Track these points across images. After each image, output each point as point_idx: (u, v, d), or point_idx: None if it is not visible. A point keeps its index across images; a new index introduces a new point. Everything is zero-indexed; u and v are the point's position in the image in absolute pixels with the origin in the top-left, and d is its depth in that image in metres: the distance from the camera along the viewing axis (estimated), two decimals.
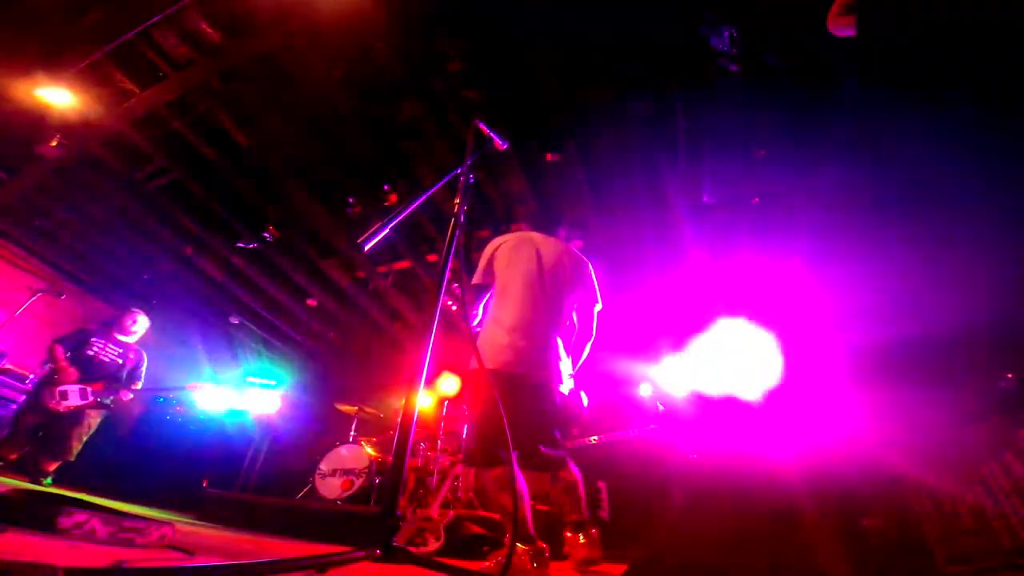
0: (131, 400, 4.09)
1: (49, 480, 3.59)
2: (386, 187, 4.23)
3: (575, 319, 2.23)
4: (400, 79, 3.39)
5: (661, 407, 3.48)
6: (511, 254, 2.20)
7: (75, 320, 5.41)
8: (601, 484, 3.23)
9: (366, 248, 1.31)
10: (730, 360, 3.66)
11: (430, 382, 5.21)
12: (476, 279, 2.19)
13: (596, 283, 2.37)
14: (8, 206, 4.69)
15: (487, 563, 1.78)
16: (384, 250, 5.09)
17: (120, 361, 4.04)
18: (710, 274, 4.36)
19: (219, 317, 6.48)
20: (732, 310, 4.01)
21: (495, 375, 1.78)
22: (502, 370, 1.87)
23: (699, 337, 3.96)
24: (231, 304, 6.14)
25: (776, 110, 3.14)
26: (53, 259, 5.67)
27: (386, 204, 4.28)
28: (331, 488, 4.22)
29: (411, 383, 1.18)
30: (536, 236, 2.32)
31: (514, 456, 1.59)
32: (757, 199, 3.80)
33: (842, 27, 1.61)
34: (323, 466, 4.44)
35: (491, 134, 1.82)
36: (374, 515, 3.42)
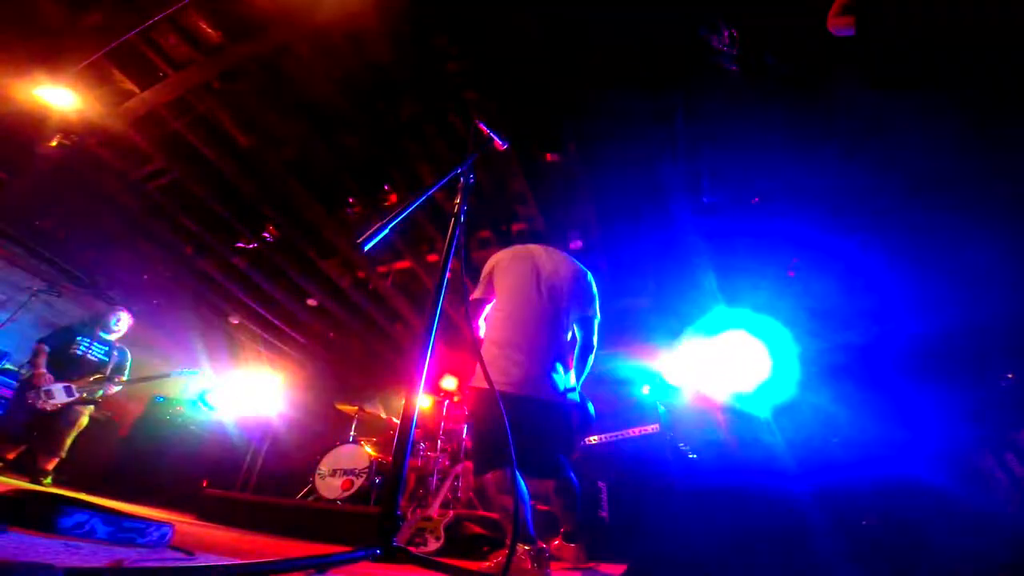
0: (125, 395, 4.15)
1: (49, 479, 3.60)
2: (386, 187, 4.23)
3: (577, 332, 2.23)
4: (400, 79, 3.39)
5: (661, 407, 3.47)
6: (509, 269, 2.22)
7: (74, 320, 5.42)
8: (601, 484, 3.23)
9: (366, 248, 1.31)
10: (731, 359, 3.66)
11: (430, 382, 5.21)
12: (476, 293, 2.23)
13: (596, 295, 2.37)
14: (8, 206, 4.69)
15: (488, 563, 1.82)
16: (384, 250, 5.09)
17: (106, 359, 4.12)
18: (710, 273, 4.36)
19: (219, 317, 6.48)
20: (732, 309, 4.00)
21: (503, 397, 1.71)
22: (509, 392, 1.87)
23: (699, 337, 3.96)
24: (231, 304, 6.13)
25: (776, 110, 3.14)
26: (53, 259, 5.66)
27: (386, 204, 4.28)
28: (331, 488, 4.22)
29: (411, 383, 1.18)
30: (536, 249, 2.32)
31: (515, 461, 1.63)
32: (757, 199, 3.80)
33: (842, 27, 1.61)
34: (323, 466, 4.43)
35: (491, 134, 1.82)
36: (374, 515, 3.42)
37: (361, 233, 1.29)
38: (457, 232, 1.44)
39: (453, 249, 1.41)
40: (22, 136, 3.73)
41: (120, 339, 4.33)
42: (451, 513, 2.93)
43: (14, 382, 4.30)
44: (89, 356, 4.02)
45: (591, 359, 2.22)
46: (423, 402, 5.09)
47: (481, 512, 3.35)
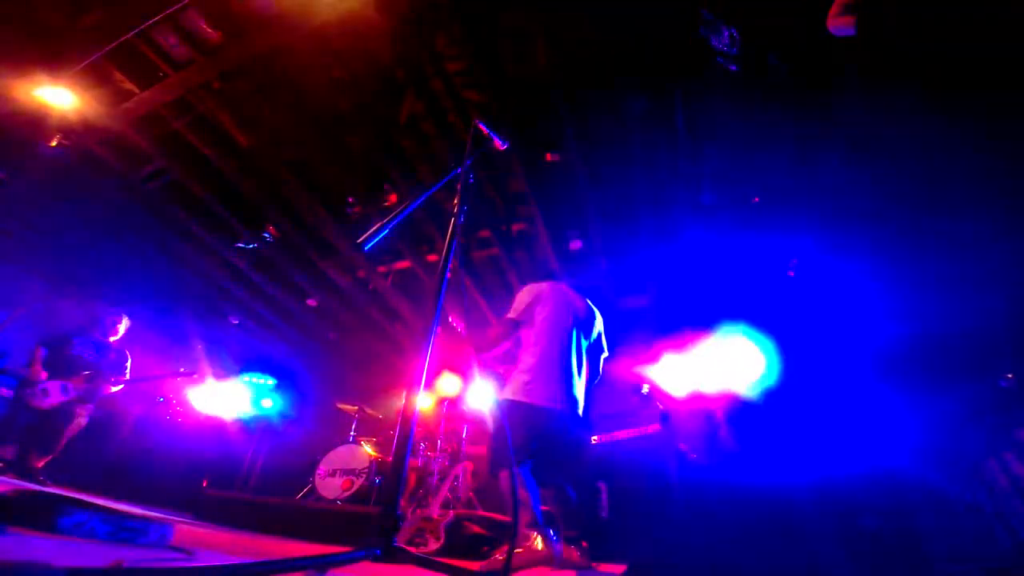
0: (124, 395, 4.19)
1: (41, 478, 3.61)
2: (386, 187, 4.23)
3: (590, 366, 2.58)
4: (400, 79, 3.39)
5: (661, 407, 3.47)
6: (551, 303, 2.46)
7: (74, 320, 5.41)
8: (601, 484, 3.23)
9: (366, 248, 1.31)
10: (730, 360, 3.65)
11: (430, 383, 5.21)
12: (514, 315, 2.43)
13: (604, 333, 2.74)
14: (8, 206, 4.69)
15: (495, 557, 2.09)
16: (384, 250, 5.09)
17: (102, 358, 4.14)
18: (710, 273, 4.36)
19: (219, 317, 6.47)
20: (732, 309, 4.00)
21: (546, 412, 2.18)
22: (552, 407, 2.21)
23: (699, 336, 3.96)
24: (231, 304, 6.13)
25: (776, 110, 3.14)
26: (53, 259, 5.66)
27: (386, 204, 4.28)
28: (331, 488, 4.22)
29: (411, 383, 1.18)
30: (570, 293, 2.59)
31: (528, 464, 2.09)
32: (757, 199, 3.80)
33: (842, 27, 1.61)
34: (323, 466, 4.43)
35: (491, 134, 1.83)
36: (374, 515, 3.42)
37: (361, 233, 1.29)
38: (457, 232, 1.45)
39: (453, 249, 1.41)
40: (22, 136, 3.72)
41: (119, 341, 4.35)
42: (451, 513, 2.93)
43: (14, 382, 4.31)
44: (86, 357, 4.05)
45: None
46: (423, 402, 5.08)
47: (481, 512, 3.35)
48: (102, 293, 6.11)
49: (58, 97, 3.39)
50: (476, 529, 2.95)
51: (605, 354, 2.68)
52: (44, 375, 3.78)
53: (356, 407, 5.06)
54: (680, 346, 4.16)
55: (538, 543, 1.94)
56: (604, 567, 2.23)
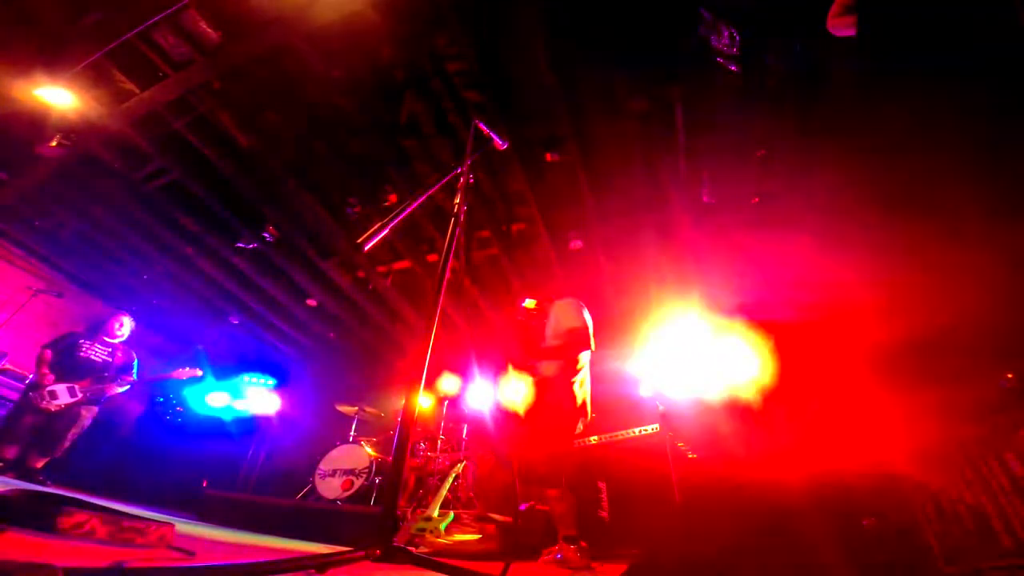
0: (123, 393, 4.21)
1: (41, 478, 3.61)
2: (386, 187, 4.23)
3: None
4: (400, 79, 3.39)
5: (661, 407, 3.47)
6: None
7: (74, 320, 5.42)
8: (601, 484, 3.22)
9: (366, 248, 1.31)
10: (729, 360, 3.65)
11: (430, 382, 5.21)
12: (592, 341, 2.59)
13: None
14: (8, 206, 4.68)
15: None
16: (384, 250, 5.09)
17: (109, 360, 4.17)
18: (710, 274, 4.36)
19: (219, 317, 6.47)
20: (732, 310, 4.00)
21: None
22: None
23: (699, 336, 3.96)
24: (231, 304, 6.13)
25: (776, 110, 3.14)
26: (53, 259, 5.66)
27: (386, 204, 4.27)
28: (331, 488, 4.22)
29: (411, 383, 1.18)
30: None
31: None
32: (757, 199, 3.80)
33: (842, 27, 1.61)
34: (323, 466, 4.43)
35: (491, 134, 1.83)
36: (374, 515, 3.42)
37: (361, 233, 1.29)
38: (457, 232, 1.44)
39: (453, 249, 1.41)
40: (22, 136, 3.72)
41: (124, 342, 4.37)
42: (451, 513, 2.93)
43: (13, 382, 4.32)
44: (93, 358, 4.07)
45: None
46: (423, 402, 5.09)
47: (481, 512, 3.34)
48: (102, 293, 6.12)
49: (58, 97, 3.39)
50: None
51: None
52: (51, 378, 3.80)
53: (356, 407, 5.06)
54: (680, 346, 4.16)
55: (575, 552, 2.22)
56: (604, 567, 2.23)
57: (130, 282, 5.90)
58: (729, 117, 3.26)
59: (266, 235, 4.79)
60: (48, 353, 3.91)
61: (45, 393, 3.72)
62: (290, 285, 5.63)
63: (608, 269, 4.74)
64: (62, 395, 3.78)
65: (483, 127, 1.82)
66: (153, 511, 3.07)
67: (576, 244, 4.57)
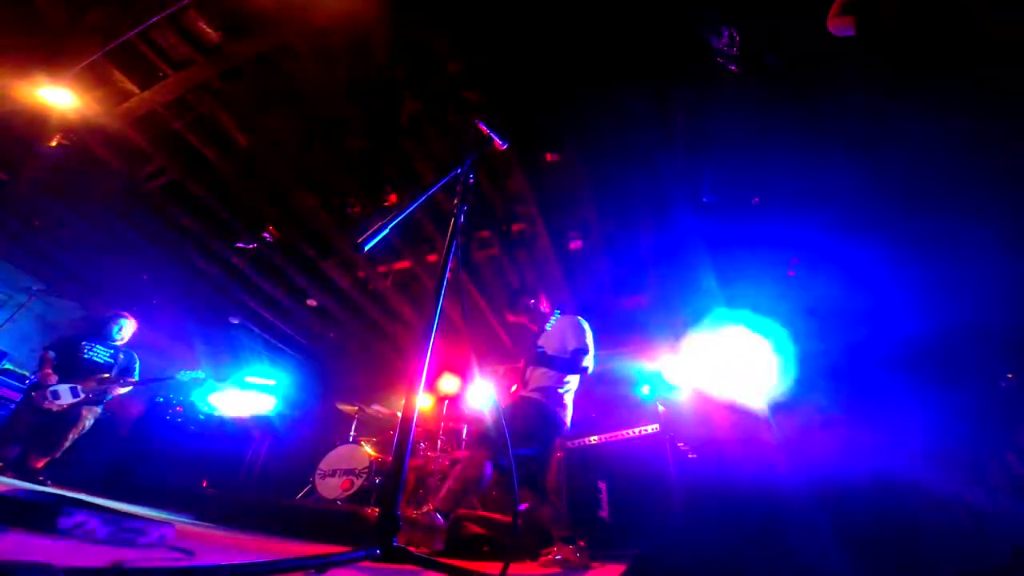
0: (125, 394, 4.23)
1: (41, 478, 3.61)
2: (386, 187, 4.23)
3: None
4: (400, 79, 3.39)
5: (661, 407, 3.47)
6: None
7: (75, 321, 5.42)
8: (601, 484, 3.23)
9: (366, 248, 1.31)
10: (730, 360, 3.65)
11: (430, 383, 5.21)
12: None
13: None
14: (8, 206, 4.68)
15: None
16: (384, 250, 5.09)
17: (111, 361, 4.17)
18: (710, 273, 4.36)
19: (219, 317, 6.47)
20: (732, 309, 4.00)
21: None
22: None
23: (699, 336, 3.96)
24: (231, 304, 6.13)
25: (776, 110, 3.14)
26: (53, 259, 5.66)
27: (386, 204, 4.27)
28: (331, 488, 4.22)
29: (411, 383, 1.18)
30: None
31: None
32: (757, 199, 3.80)
33: (842, 27, 1.61)
34: (323, 466, 4.43)
35: (491, 134, 1.83)
36: (374, 515, 3.41)
37: (361, 233, 1.29)
38: (457, 232, 1.45)
39: (453, 249, 1.41)
40: (22, 136, 3.72)
41: (126, 343, 4.38)
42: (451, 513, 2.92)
43: (13, 382, 4.32)
44: (95, 359, 4.08)
45: None
46: (423, 402, 5.08)
47: (481, 512, 3.34)
48: (102, 293, 6.12)
49: (58, 97, 3.38)
50: (476, 529, 2.94)
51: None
52: (54, 378, 3.81)
53: (356, 407, 5.06)
54: (680, 346, 4.16)
55: (572, 552, 2.26)
56: (604, 567, 2.23)
57: (130, 282, 5.90)
58: (729, 117, 3.25)
59: (266, 235, 4.79)
60: (51, 353, 3.92)
61: (47, 393, 3.73)
62: (290, 285, 5.63)
63: (608, 268, 4.74)
64: (64, 395, 3.79)
65: (483, 127, 1.82)
66: (153, 511, 3.07)
67: (576, 244, 4.57)
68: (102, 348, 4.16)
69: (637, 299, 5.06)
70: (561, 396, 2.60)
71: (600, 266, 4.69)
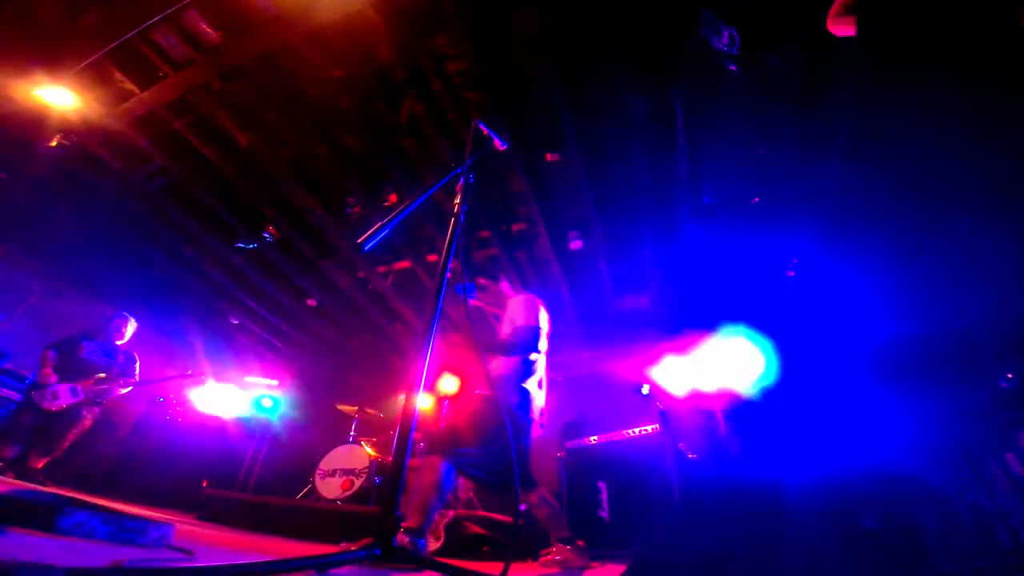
0: (125, 395, 4.23)
1: (41, 478, 3.62)
2: (386, 187, 4.23)
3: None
4: (400, 79, 3.39)
5: (661, 407, 3.47)
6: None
7: (74, 321, 5.40)
8: (601, 484, 3.23)
9: (366, 248, 1.31)
10: (730, 360, 3.65)
11: (430, 383, 5.21)
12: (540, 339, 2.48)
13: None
14: (8, 206, 4.68)
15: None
16: (384, 250, 5.09)
17: (112, 361, 4.18)
18: (710, 274, 4.36)
19: (219, 317, 6.47)
20: (732, 310, 4.00)
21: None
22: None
23: (699, 337, 3.96)
24: (231, 304, 6.13)
25: (776, 110, 3.14)
26: (53, 259, 5.66)
27: (386, 204, 4.27)
28: (331, 488, 4.22)
29: (411, 383, 1.18)
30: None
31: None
32: (757, 199, 3.80)
33: (842, 27, 1.61)
34: (323, 466, 4.43)
35: (491, 134, 1.83)
36: (374, 515, 3.41)
37: (361, 233, 1.29)
38: (457, 232, 1.45)
39: (453, 249, 1.41)
40: (22, 136, 3.72)
41: (126, 343, 4.39)
42: (451, 513, 2.93)
43: (13, 382, 4.32)
44: (95, 359, 4.09)
45: None
46: (423, 402, 5.08)
47: (481, 512, 3.35)
48: (102, 293, 6.12)
49: (58, 97, 3.39)
50: (476, 529, 2.95)
51: None
52: (54, 378, 3.81)
53: (356, 407, 5.06)
54: (680, 346, 4.16)
55: (572, 553, 2.22)
56: (604, 567, 2.23)
57: (130, 282, 5.89)
58: (730, 117, 3.25)
59: (266, 235, 4.79)
60: (51, 353, 3.92)
61: (47, 393, 3.73)
62: (290, 285, 5.63)
63: (608, 269, 4.74)
64: (64, 395, 3.79)
65: (483, 127, 1.83)
66: (153, 511, 3.07)
67: (576, 244, 4.57)
68: (102, 348, 4.16)
69: (637, 299, 5.06)
70: (520, 386, 2.32)
71: (600, 266, 4.69)
